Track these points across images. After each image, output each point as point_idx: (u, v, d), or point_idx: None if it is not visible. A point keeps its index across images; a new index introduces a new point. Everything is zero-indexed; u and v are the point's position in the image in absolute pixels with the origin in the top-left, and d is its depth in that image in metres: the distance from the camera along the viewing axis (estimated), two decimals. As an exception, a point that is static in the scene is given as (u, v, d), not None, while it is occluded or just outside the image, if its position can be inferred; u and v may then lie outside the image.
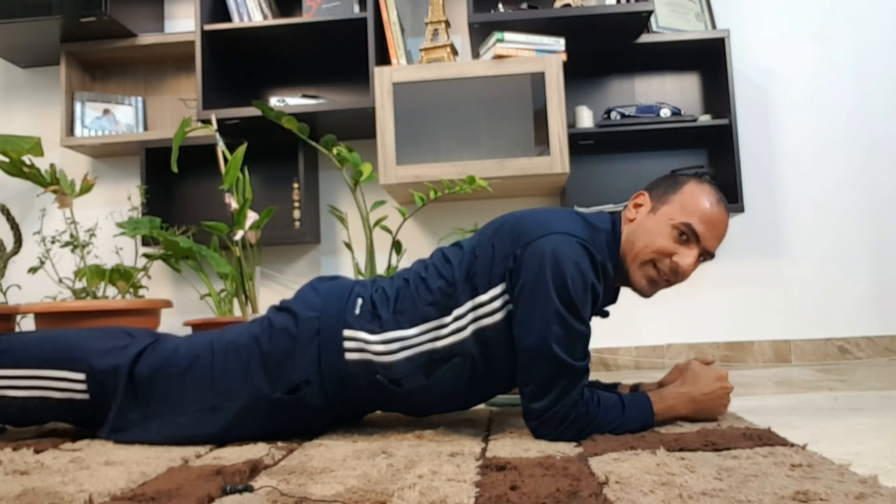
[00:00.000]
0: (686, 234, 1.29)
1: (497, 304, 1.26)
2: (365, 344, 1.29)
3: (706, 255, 1.32)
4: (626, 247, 1.34)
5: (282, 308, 1.38)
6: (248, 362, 1.30)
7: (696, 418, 1.36)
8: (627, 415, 1.26)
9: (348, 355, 1.30)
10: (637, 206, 1.36)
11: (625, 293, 1.42)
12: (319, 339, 1.30)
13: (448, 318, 1.29)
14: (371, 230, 2.22)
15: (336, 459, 1.13)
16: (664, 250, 1.30)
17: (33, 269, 2.24)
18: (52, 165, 2.18)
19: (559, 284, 1.20)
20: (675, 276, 1.31)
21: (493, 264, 1.27)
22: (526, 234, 1.26)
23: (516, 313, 1.24)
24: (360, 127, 2.59)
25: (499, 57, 2.37)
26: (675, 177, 1.38)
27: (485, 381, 1.33)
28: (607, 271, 1.30)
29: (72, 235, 2.22)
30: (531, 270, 1.22)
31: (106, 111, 2.75)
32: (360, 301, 1.34)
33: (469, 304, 1.28)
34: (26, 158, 2.12)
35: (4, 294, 2.32)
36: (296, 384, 1.29)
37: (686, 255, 1.29)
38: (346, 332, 1.30)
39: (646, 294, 1.36)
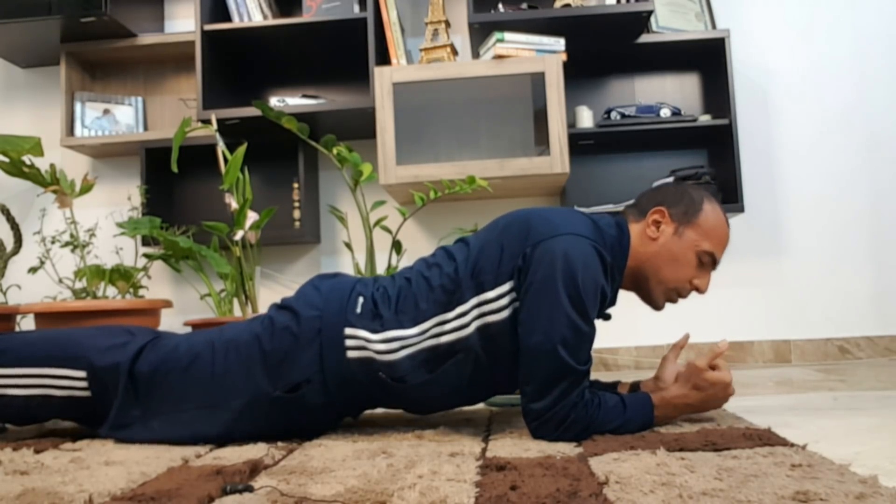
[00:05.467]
0: (707, 262, 1.36)
1: (504, 301, 1.26)
2: (366, 343, 1.29)
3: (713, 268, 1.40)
4: (647, 266, 1.36)
5: (283, 306, 1.38)
6: (249, 361, 1.30)
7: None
8: (628, 417, 1.26)
9: (350, 354, 1.30)
10: (657, 223, 1.37)
11: (624, 294, 1.42)
12: (321, 338, 1.30)
13: (450, 315, 1.29)
14: (371, 230, 2.22)
15: (336, 459, 1.13)
16: (688, 277, 1.37)
17: (33, 269, 2.24)
18: (52, 165, 2.18)
19: (570, 285, 1.20)
20: (688, 294, 1.40)
21: (500, 262, 1.27)
22: (536, 234, 1.26)
23: (522, 312, 1.24)
24: (360, 127, 2.59)
25: (499, 57, 2.37)
26: (689, 193, 1.38)
27: (488, 378, 1.33)
28: (615, 274, 1.31)
29: (72, 235, 2.22)
30: (541, 270, 1.22)
31: (106, 111, 2.75)
32: (361, 300, 1.34)
33: (474, 301, 1.28)
34: (26, 158, 2.12)
35: (4, 294, 2.32)
36: (297, 383, 1.29)
37: (704, 278, 1.38)
38: (348, 331, 1.31)
39: (659, 309, 1.41)
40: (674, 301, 1.40)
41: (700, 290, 1.38)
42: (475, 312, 1.28)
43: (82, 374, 1.31)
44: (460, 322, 1.28)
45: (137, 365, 1.31)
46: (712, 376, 1.31)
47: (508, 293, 1.26)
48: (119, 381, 1.30)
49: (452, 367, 1.29)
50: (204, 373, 1.31)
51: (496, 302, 1.27)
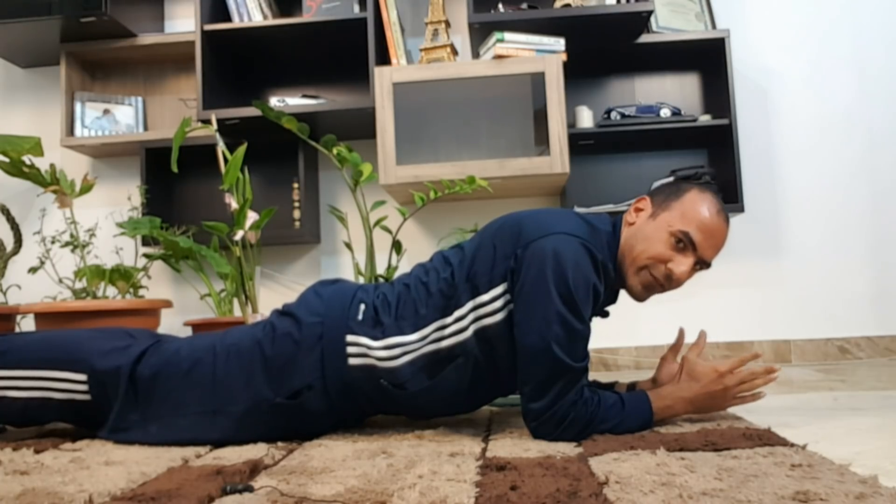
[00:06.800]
0: (683, 242, 1.29)
1: (498, 303, 1.27)
2: (368, 349, 1.30)
3: (702, 264, 1.32)
4: (624, 250, 1.34)
5: (285, 312, 1.38)
6: (251, 366, 1.30)
7: (697, 414, 1.36)
8: (627, 414, 1.26)
9: (351, 360, 1.30)
10: (638, 210, 1.37)
11: (624, 295, 1.42)
12: (322, 345, 1.30)
13: (449, 319, 1.29)
14: (371, 230, 2.22)
15: (336, 459, 1.13)
16: (660, 257, 1.30)
17: (33, 269, 2.24)
18: (52, 165, 2.18)
19: (560, 284, 1.20)
20: (669, 282, 1.32)
21: (494, 264, 1.28)
22: (527, 235, 1.26)
23: (517, 313, 1.24)
24: (360, 127, 2.59)
25: (499, 57, 2.37)
26: (679, 184, 1.38)
27: (488, 382, 1.33)
28: (608, 271, 1.30)
29: (72, 235, 2.22)
30: (532, 270, 1.22)
31: (106, 111, 2.75)
32: (363, 307, 1.34)
33: (470, 304, 1.28)
34: (26, 158, 2.12)
35: (4, 294, 2.32)
36: (298, 389, 1.29)
37: (681, 263, 1.30)
38: (350, 338, 1.31)
39: (639, 299, 1.36)
40: (652, 287, 1.33)
41: (674, 274, 1.29)
42: (472, 316, 1.28)
43: (83, 377, 1.31)
44: (459, 326, 1.28)
45: (139, 369, 1.31)
46: (702, 366, 1.32)
47: (503, 295, 1.26)
48: (119, 385, 1.30)
49: (452, 371, 1.29)
50: (205, 378, 1.30)
51: (491, 304, 1.27)
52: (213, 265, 2.22)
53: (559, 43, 2.41)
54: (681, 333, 1.48)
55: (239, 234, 2.19)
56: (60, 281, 2.27)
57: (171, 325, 2.64)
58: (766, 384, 1.32)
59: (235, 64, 2.76)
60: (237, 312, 2.44)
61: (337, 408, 1.33)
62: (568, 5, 2.47)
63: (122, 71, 2.87)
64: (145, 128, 2.82)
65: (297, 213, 2.70)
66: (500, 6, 2.51)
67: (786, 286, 2.70)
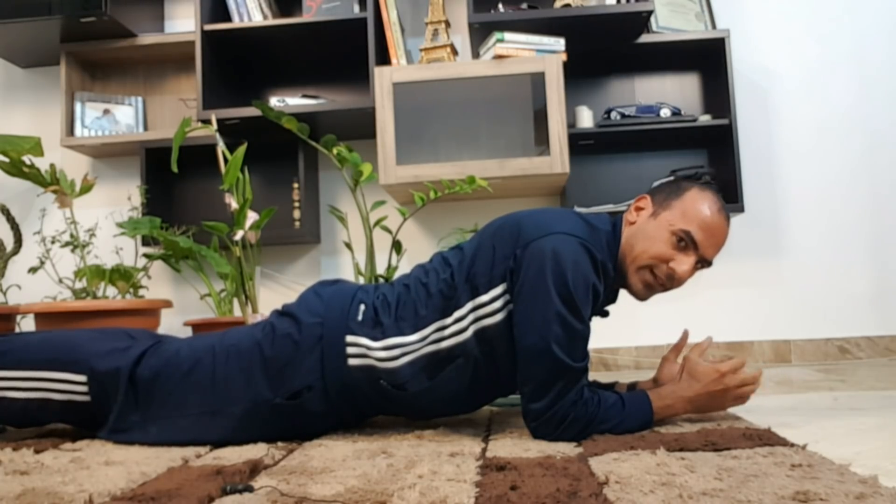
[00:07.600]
0: (684, 241, 1.30)
1: (498, 304, 1.27)
2: (367, 350, 1.30)
3: (703, 262, 1.32)
4: (625, 249, 1.34)
5: (284, 313, 1.38)
6: (250, 367, 1.30)
7: (697, 414, 1.37)
8: (627, 413, 1.26)
9: (351, 361, 1.30)
10: (639, 209, 1.37)
11: (624, 295, 1.42)
12: (322, 345, 1.30)
13: (449, 320, 1.29)
14: (371, 230, 2.22)
15: (336, 459, 1.13)
16: (662, 256, 1.31)
17: (33, 269, 2.24)
18: (52, 165, 2.18)
19: (560, 284, 1.20)
20: (671, 282, 1.32)
21: (493, 264, 1.28)
22: (526, 235, 1.26)
23: (516, 313, 1.24)
24: (360, 127, 2.59)
25: (499, 57, 2.37)
26: (679, 182, 1.37)
27: (488, 382, 1.33)
28: (608, 271, 1.30)
29: (72, 235, 2.22)
30: (531, 270, 1.22)
31: (106, 111, 2.75)
32: (363, 307, 1.34)
33: (469, 305, 1.28)
34: (26, 158, 2.12)
35: (4, 294, 2.32)
36: (298, 390, 1.29)
37: (683, 262, 1.30)
38: (349, 339, 1.31)
39: (641, 298, 1.36)
40: (653, 286, 1.33)
41: (676, 273, 1.29)
42: (472, 317, 1.28)
43: (82, 378, 1.31)
44: (458, 327, 1.28)
45: (138, 370, 1.31)
46: (704, 366, 1.32)
47: (502, 295, 1.26)
48: (119, 386, 1.30)
49: (452, 372, 1.29)
50: (205, 379, 1.30)
51: (491, 305, 1.27)
52: (213, 265, 2.22)
53: (559, 43, 2.41)
54: (684, 334, 1.48)
55: (239, 234, 2.19)
56: (60, 281, 2.27)
57: (171, 325, 2.64)
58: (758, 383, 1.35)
59: (235, 64, 2.76)
60: (237, 312, 2.44)
61: (337, 408, 1.33)
62: (568, 5, 2.47)
63: (122, 71, 2.87)
64: (145, 128, 2.82)
65: (297, 213, 2.70)
66: (500, 6, 2.51)
67: (786, 286, 2.70)
